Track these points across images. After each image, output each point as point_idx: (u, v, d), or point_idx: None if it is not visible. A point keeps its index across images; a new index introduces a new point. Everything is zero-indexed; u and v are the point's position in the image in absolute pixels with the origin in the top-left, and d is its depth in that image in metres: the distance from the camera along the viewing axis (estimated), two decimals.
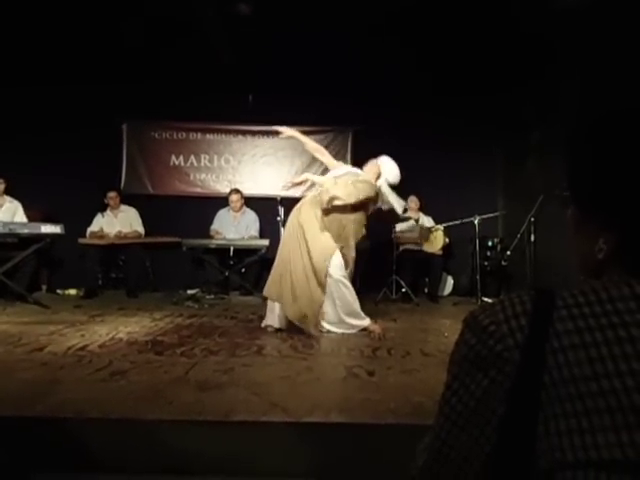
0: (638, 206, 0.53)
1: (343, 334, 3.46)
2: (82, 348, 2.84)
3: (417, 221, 5.86)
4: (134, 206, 5.92)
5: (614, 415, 0.46)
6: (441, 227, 5.62)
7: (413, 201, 5.89)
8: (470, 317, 0.59)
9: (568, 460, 0.47)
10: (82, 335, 3.22)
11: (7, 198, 5.27)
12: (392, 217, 5.63)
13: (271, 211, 5.79)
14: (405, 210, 5.29)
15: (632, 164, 0.54)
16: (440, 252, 5.67)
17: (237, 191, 6.01)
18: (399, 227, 5.74)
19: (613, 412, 0.47)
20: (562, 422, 0.48)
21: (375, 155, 3.96)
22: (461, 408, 0.57)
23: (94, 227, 5.67)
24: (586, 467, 0.46)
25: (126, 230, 5.70)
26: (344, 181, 3.67)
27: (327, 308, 3.50)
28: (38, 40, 5.30)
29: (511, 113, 6.02)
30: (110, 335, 3.24)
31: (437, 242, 5.65)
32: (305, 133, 4.29)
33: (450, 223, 5.52)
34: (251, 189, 6.33)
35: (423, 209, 5.98)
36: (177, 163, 6.52)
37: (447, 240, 5.67)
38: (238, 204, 5.96)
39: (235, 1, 4.64)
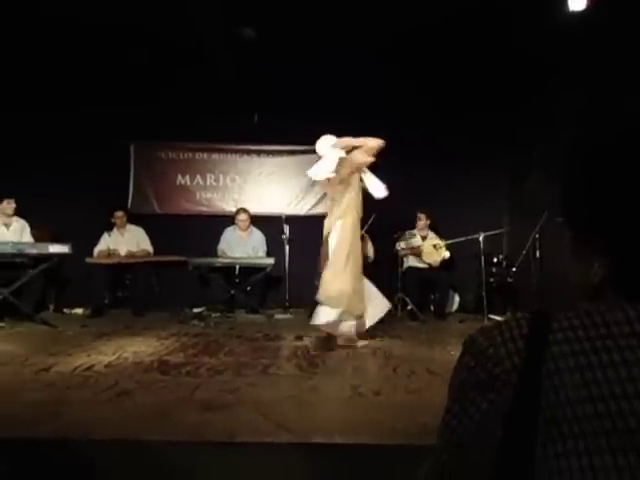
0: (631, 232, 0.55)
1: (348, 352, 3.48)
2: (88, 368, 2.84)
3: (424, 238, 5.84)
4: (141, 225, 5.97)
5: (610, 438, 0.47)
6: (443, 243, 5.65)
7: (422, 219, 5.88)
8: (469, 340, 0.60)
9: None
10: (88, 355, 3.23)
11: (14, 218, 5.33)
12: (396, 234, 5.68)
13: (276, 229, 5.84)
14: None
15: (624, 190, 0.55)
16: (437, 264, 5.67)
17: (245, 210, 6.03)
18: (403, 244, 5.74)
19: (609, 435, 0.47)
20: (559, 444, 0.49)
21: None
22: (461, 431, 0.58)
23: (101, 246, 5.71)
24: None
25: (133, 249, 5.75)
26: None
27: None
28: (47, 65, 5.43)
29: (515, 131, 6.06)
30: (116, 355, 3.24)
31: (438, 256, 5.67)
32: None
33: (455, 240, 5.53)
34: (256, 208, 6.36)
35: (434, 227, 5.98)
36: (183, 182, 6.58)
37: (447, 255, 5.67)
38: (246, 223, 5.99)
39: (240, 24, 4.74)
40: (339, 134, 4.41)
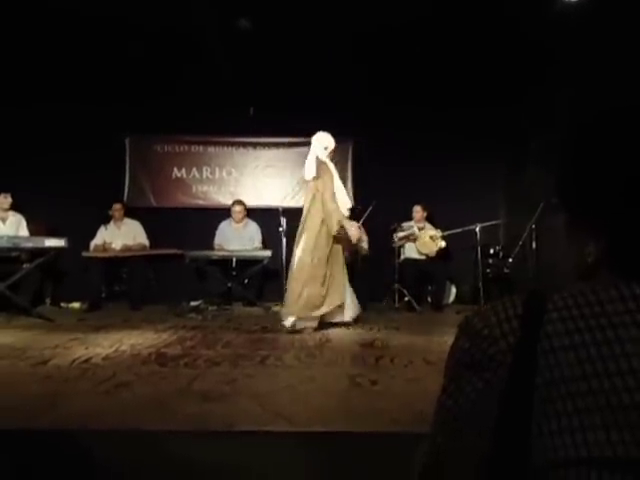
0: (623, 212, 0.55)
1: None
2: (86, 361, 2.85)
3: (421, 230, 5.85)
4: (137, 219, 5.96)
5: (603, 414, 0.48)
6: (439, 234, 5.66)
7: (418, 211, 5.89)
8: (464, 321, 0.61)
9: (560, 458, 0.48)
10: (86, 348, 3.23)
11: (10, 212, 5.32)
12: (393, 226, 5.70)
13: (273, 222, 5.83)
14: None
15: (616, 170, 0.55)
16: (434, 254, 5.68)
17: (240, 202, 6.06)
18: (400, 235, 5.76)
19: (602, 411, 0.48)
20: (554, 422, 0.49)
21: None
22: (457, 411, 0.58)
23: (97, 240, 5.70)
24: (578, 465, 0.47)
25: (129, 243, 5.74)
26: None
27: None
28: (42, 60, 5.37)
29: (511, 123, 6.05)
30: (114, 347, 3.24)
31: (435, 246, 5.69)
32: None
33: (452, 231, 5.54)
34: (253, 200, 6.35)
35: (430, 219, 5.98)
36: (179, 176, 6.56)
37: (443, 244, 5.69)
38: (240, 215, 5.99)
39: (235, 17, 4.70)
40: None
